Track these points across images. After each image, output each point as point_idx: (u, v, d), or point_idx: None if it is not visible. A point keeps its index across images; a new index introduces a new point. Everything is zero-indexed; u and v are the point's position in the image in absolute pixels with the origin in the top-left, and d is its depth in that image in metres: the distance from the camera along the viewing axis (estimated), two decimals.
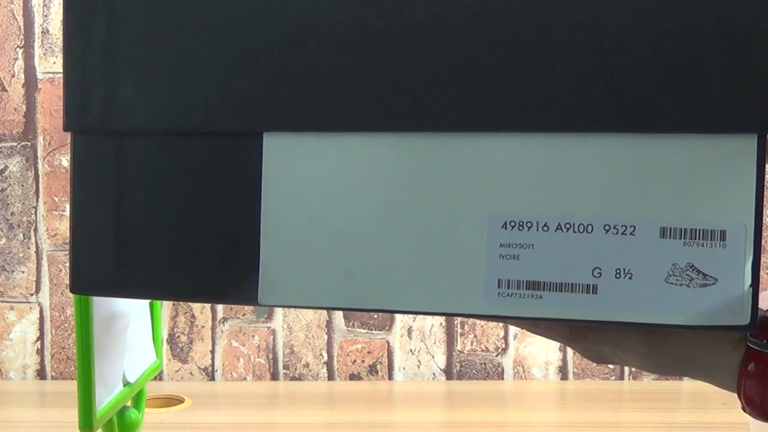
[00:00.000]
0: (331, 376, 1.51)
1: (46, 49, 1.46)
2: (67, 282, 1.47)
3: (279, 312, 1.50)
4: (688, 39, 0.44)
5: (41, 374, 1.51)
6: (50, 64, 1.46)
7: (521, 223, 0.46)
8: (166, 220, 0.53)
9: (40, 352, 1.51)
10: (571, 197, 0.45)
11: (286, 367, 1.51)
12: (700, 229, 0.44)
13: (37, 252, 1.49)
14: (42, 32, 1.46)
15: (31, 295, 1.49)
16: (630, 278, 0.45)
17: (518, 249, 0.46)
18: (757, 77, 0.43)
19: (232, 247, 0.51)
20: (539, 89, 0.45)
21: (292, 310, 1.50)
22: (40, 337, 1.50)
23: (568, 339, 0.55)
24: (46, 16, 1.45)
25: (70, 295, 1.49)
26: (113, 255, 0.54)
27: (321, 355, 1.51)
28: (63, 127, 0.55)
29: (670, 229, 0.44)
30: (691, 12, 0.44)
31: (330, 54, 0.48)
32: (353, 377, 1.51)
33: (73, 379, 1.50)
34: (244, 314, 1.51)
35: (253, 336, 1.51)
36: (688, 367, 0.55)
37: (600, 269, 0.45)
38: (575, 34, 0.45)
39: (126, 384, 0.93)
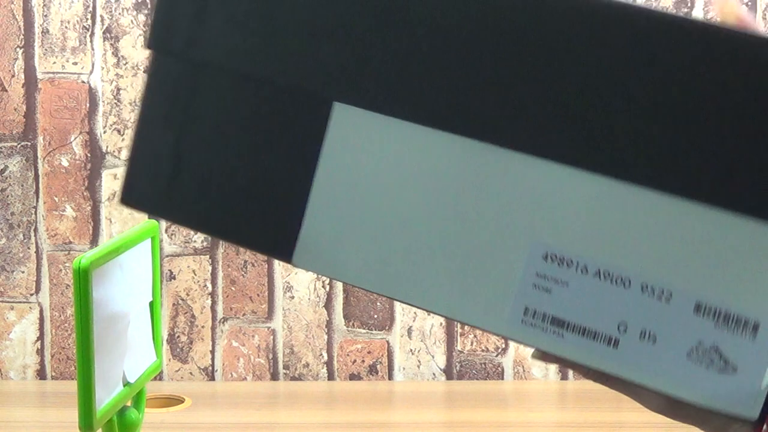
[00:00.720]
0: (331, 376, 1.51)
1: (46, 49, 1.46)
2: (67, 282, 1.48)
3: (279, 312, 1.51)
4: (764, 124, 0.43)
5: (41, 374, 1.51)
6: (50, 64, 1.46)
7: (562, 259, 0.45)
8: (222, 158, 0.53)
9: (40, 352, 1.51)
10: (618, 248, 0.45)
11: (286, 367, 1.51)
12: (734, 315, 0.43)
13: (37, 252, 1.49)
14: (42, 32, 1.46)
15: (31, 295, 1.50)
16: (653, 343, 0.44)
17: (552, 283, 0.46)
18: None
19: (280, 202, 0.51)
20: (618, 135, 0.45)
21: (292, 309, 1.50)
22: (40, 337, 1.50)
23: (591, 378, 0.55)
24: (46, 16, 1.45)
25: (70, 295, 1.49)
26: (167, 178, 0.54)
27: (321, 355, 1.51)
28: (146, 44, 0.56)
29: (706, 306, 0.43)
30: None
31: (424, 43, 0.48)
32: (353, 377, 1.52)
33: (73, 379, 1.50)
34: (244, 314, 1.51)
35: (253, 336, 1.51)
36: (702, 425, 0.55)
37: (626, 325, 0.45)
38: (666, 96, 0.44)
39: (126, 384, 0.93)
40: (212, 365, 1.52)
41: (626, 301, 0.45)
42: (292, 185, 0.51)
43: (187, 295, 1.50)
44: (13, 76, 1.47)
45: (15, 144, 1.47)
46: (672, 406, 0.55)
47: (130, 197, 0.56)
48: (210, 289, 1.50)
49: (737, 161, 0.43)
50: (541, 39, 0.46)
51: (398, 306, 1.50)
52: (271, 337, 1.51)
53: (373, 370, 1.52)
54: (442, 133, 0.48)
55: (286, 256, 0.52)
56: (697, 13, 1.45)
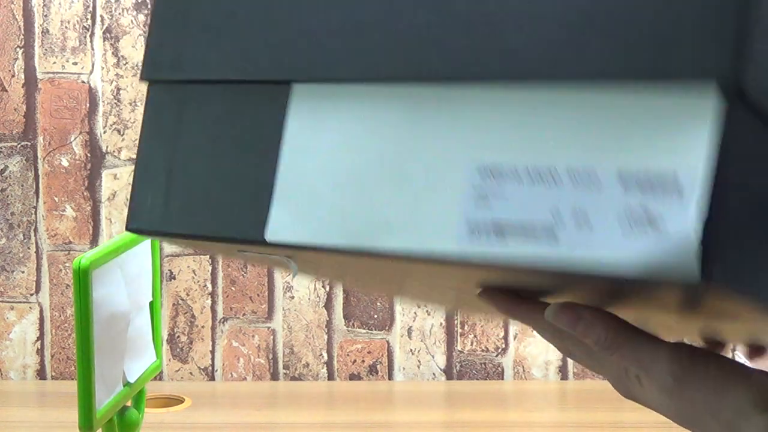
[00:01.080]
0: (331, 376, 1.51)
1: (46, 49, 1.46)
2: (67, 282, 1.48)
3: (279, 312, 1.51)
4: None
5: (41, 374, 1.51)
6: (50, 64, 1.46)
7: (495, 170, 0.47)
8: (204, 166, 0.56)
9: (40, 352, 1.51)
10: (541, 144, 0.46)
11: (286, 367, 1.51)
12: (657, 177, 0.43)
13: (37, 252, 1.49)
14: (42, 32, 1.46)
15: (31, 295, 1.50)
16: (587, 223, 0.45)
17: (490, 194, 0.47)
18: (721, 25, 0.42)
19: (250, 188, 0.55)
20: (500, 37, 0.47)
21: (292, 309, 1.50)
22: (40, 337, 1.51)
23: (602, 345, 0.55)
24: (46, 16, 1.45)
25: (70, 295, 1.49)
26: (161, 199, 0.58)
27: (321, 355, 1.51)
28: (140, 78, 0.60)
29: (628, 174, 0.44)
30: None
31: (349, 5, 0.52)
32: (353, 377, 1.52)
33: (73, 379, 1.50)
34: (244, 314, 1.51)
35: (253, 336, 1.51)
36: (709, 417, 0.54)
37: (560, 214, 0.46)
38: None
39: (126, 384, 0.93)
40: (212, 365, 1.52)
41: (557, 191, 0.46)
42: (260, 169, 0.54)
43: (187, 295, 1.50)
44: (13, 76, 1.47)
45: (15, 144, 1.47)
46: (677, 389, 0.54)
47: (135, 224, 0.60)
48: (210, 289, 1.50)
49: (614, 28, 0.44)
50: None
51: (398, 306, 1.51)
52: (271, 337, 1.51)
53: (373, 370, 1.52)
54: (380, 86, 0.51)
55: (259, 236, 0.54)
56: None
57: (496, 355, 1.51)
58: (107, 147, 1.47)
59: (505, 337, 1.51)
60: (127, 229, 0.60)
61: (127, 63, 1.46)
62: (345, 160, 0.52)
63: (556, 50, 0.46)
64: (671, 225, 0.43)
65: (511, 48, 0.47)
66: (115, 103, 1.47)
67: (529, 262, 0.46)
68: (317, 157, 0.53)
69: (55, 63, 1.46)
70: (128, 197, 1.48)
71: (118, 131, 1.47)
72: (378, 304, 1.51)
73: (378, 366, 1.52)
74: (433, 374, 1.52)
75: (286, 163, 0.54)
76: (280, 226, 0.53)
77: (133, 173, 0.60)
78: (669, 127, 0.43)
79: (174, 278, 1.50)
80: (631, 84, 0.44)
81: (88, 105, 1.47)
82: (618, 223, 0.44)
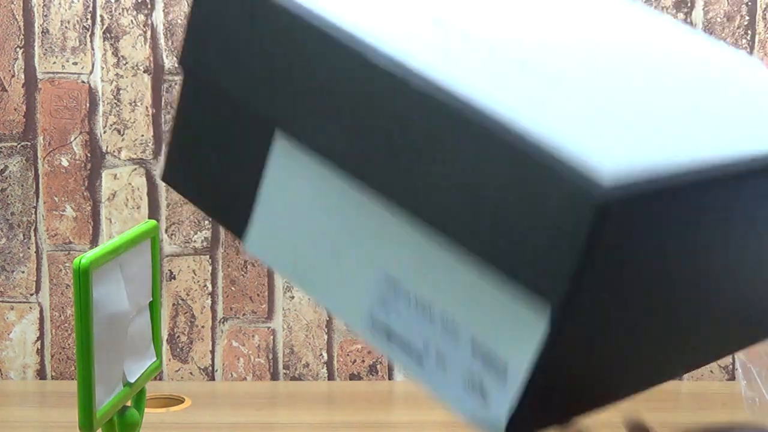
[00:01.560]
0: (331, 376, 1.51)
1: (46, 49, 1.46)
2: (67, 282, 1.48)
3: (279, 312, 1.51)
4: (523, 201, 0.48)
5: (41, 374, 1.51)
6: (50, 64, 1.46)
7: (396, 286, 0.55)
8: (209, 146, 0.64)
9: (40, 352, 1.51)
10: (431, 284, 0.53)
11: (286, 367, 1.51)
12: (495, 359, 0.50)
13: (37, 252, 1.49)
14: (42, 32, 1.46)
15: (31, 295, 1.50)
16: (443, 368, 0.53)
17: (391, 302, 0.55)
18: (565, 253, 0.46)
19: (242, 196, 0.62)
20: (430, 187, 0.52)
21: (292, 309, 1.50)
22: (40, 337, 1.51)
23: None
24: (46, 16, 1.45)
25: (70, 295, 1.49)
26: (183, 162, 0.66)
27: (321, 355, 1.51)
28: (178, 62, 0.67)
29: (479, 343, 0.51)
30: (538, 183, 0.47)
31: (328, 93, 0.56)
32: (353, 377, 1.52)
33: (73, 379, 1.50)
34: (244, 314, 1.51)
35: (253, 336, 1.51)
36: None
37: (428, 350, 0.53)
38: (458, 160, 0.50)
39: (126, 384, 0.93)
40: (212, 365, 1.52)
41: (431, 327, 0.53)
42: (250, 179, 0.61)
43: (187, 295, 1.50)
44: (13, 76, 1.47)
45: (15, 144, 1.47)
46: None
47: (164, 177, 0.68)
48: (210, 289, 1.50)
49: (504, 224, 0.49)
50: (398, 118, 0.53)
51: None
52: (271, 337, 1.51)
53: (373, 370, 1.52)
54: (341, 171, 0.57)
55: (242, 238, 0.62)
56: (698, 14, 1.45)
57: None
58: (107, 147, 1.47)
59: None
60: (162, 179, 0.68)
61: (127, 63, 1.46)
62: (304, 214, 0.59)
63: (460, 215, 0.51)
64: (493, 403, 0.51)
65: (434, 198, 0.52)
66: (115, 103, 1.47)
67: (405, 371, 0.55)
68: (287, 198, 0.59)
69: (55, 63, 1.46)
70: (128, 197, 1.48)
71: (118, 131, 1.47)
72: None
73: (378, 366, 1.52)
74: None
75: (265, 190, 0.60)
76: (255, 241, 0.61)
77: (171, 127, 0.66)
78: (514, 322, 0.50)
79: (174, 278, 1.50)
80: (495, 272, 0.49)
81: (88, 105, 1.47)
82: (461, 379, 0.52)
